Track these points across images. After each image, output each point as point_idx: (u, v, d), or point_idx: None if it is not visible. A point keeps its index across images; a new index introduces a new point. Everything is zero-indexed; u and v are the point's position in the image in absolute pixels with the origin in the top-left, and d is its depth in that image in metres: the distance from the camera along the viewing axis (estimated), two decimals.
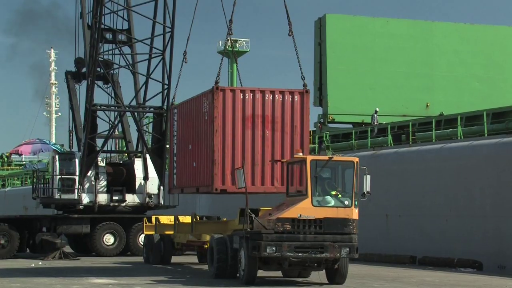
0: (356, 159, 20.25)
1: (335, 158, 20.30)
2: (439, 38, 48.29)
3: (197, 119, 22.63)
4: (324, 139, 39.70)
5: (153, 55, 33.13)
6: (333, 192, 19.97)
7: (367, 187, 20.05)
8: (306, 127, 22.09)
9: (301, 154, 20.81)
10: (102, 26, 32.34)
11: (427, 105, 47.23)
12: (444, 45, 48.29)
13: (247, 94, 21.40)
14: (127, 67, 34.55)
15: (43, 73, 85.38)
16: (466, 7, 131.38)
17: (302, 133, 21.92)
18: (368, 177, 20.10)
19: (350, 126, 45.59)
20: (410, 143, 33.45)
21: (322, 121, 46.04)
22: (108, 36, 34.28)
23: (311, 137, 42.24)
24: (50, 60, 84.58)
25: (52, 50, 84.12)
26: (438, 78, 48.12)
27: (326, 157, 20.13)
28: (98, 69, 33.31)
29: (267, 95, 21.63)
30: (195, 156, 22.92)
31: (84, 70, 36.08)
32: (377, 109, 41.15)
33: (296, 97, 21.82)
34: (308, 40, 78.58)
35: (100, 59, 32.80)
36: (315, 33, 47.43)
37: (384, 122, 39.65)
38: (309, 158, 20.00)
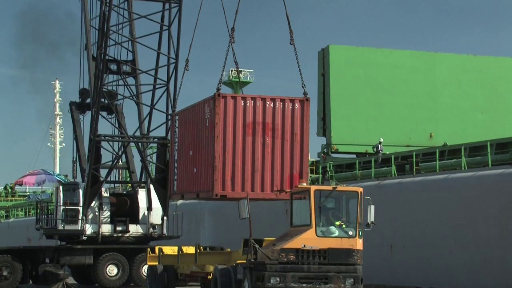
0: (360, 189, 20.22)
1: (339, 188, 20.28)
2: (442, 69, 48.44)
3: (198, 125, 22.75)
4: (328, 169, 39.67)
5: (157, 86, 33.31)
6: (337, 223, 19.93)
7: (371, 217, 20.00)
8: (306, 135, 22.20)
9: (305, 184, 20.78)
10: (107, 57, 32.55)
11: (430, 136, 47.24)
12: (448, 76, 48.43)
13: (248, 101, 21.60)
14: (131, 97, 34.70)
15: (48, 113, 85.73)
16: (468, 39, 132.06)
17: (302, 141, 22.04)
18: (372, 207, 20.06)
19: (354, 156, 45.57)
20: (414, 173, 33.40)
21: (325, 151, 46.04)
22: (113, 67, 34.50)
23: (314, 167, 42.28)
24: (55, 91, 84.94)
25: (57, 81, 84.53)
26: (442, 109, 48.19)
27: (330, 187, 20.11)
28: (102, 99, 33.46)
29: (268, 102, 21.82)
30: (195, 162, 22.98)
31: (88, 100, 36.23)
32: (381, 140, 41.17)
33: (297, 105, 21.99)
34: (311, 71, 79.02)
35: (104, 90, 32.97)
36: (319, 63, 47.62)
37: (387, 153, 39.64)
38: (313, 188, 19.97)
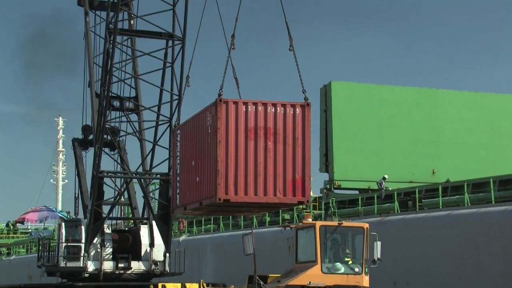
0: (366, 225, 20.14)
1: (345, 223, 20.20)
2: (444, 105, 48.60)
3: (200, 133, 22.85)
4: (331, 205, 39.59)
5: (160, 122, 33.34)
6: (344, 259, 19.80)
7: (378, 254, 19.89)
8: (307, 139, 22.25)
9: (310, 219, 20.71)
10: (110, 94, 32.65)
11: (433, 172, 47.22)
12: (450, 112, 48.57)
13: (249, 106, 21.73)
14: (134, 134, 34.74)
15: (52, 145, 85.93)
16: (469, 75, 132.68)
17: (304, 145, 22.11)
18: (379, 243, 19.97)
19: (357, 192, 45.52)
20: (417, 209, 33.33)
21: (328, 187, 46.00)
22: (116, 103, 34.55)
23: (317, 204, 42.21)
24: (58, 128, 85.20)
25: (60, 118, 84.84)
26: (444, 145, 48.24)
27: (335, 223, 20.03)
28: (105, 136, 33.49)
29: (269, 107, 21.95)
30: (198, 171, 23.01)
31: (91, 137, 36.25)
32: (386, 176, 41.14)
33: (298, 110, 22.11)
34: (313, 107, 78.90)
35: (107, 126, 33.02)
36: (321, 99, 47.81)
37: (390, 189, 39.59)
38: (319, 223, 19.90)
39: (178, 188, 24.57)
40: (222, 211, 24.70)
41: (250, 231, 20.26)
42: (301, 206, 43.35)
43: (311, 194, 43.03)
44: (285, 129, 21.82)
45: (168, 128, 32.80)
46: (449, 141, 48.33)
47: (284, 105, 21.94)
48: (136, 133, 34.68)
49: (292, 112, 21.90)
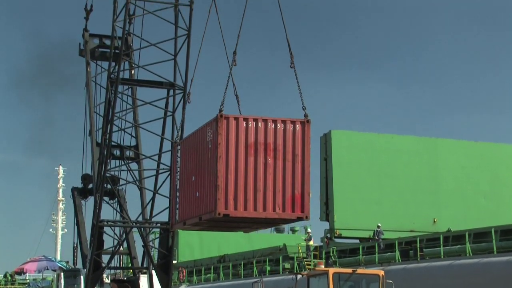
0: (381, 273, 19.86)
1: (359, 271, 19.96)
2: (444, 155, 48.65)
3: (201, 149, 22.95)
4: (331, 254, 39.37)
5: (160, 171, 33.31)
6: None
7: None
8: (307, 156, 22.32)
9: (322, 266, 20.48)
10: (111, 143, 32.68)
11: (434, 221, 47.06)
12: (450, 161, 48.61)
13: (250, 122, 21.91)
14: (134, 182, 34.68)
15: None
16: (469, 125, 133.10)
17: (304, 162, 22.15)
18: None
19: (357, 241, 45.30)
20: (418, 259, 33.11)
21: (329, 236, 45.79)
22: (116, 152, 34.59)
23: (317, 252, 41.95)
24: (58, 177, 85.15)
25: (61, 167, 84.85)
26: (445, 194, 48.16)
27: (349, 270, 19.78)
28: (105, 185, 33.43)
29: (269, 123, 22.13)
30: (198, 186, 23.04)
31: (90, 186, 36.19)
32: (379, 225, 41.12)
33: (298, 127, 22.25)
34: (313, 156, 78.92)
35: (107, 175, 32.97)
36: (321, 148, 47.87)
37: (391, 238, 39.41)
38: (331, 271, 19.64)
39: (178, 203, 24.64)
40: (221, 226, 24.73)
41: (260, 279, 20.05)
42: (300, 254, 43.16)
43: (311, 238, 42.82)
44: (285, 145, 22.04)
45: (169, 177, 32.74)
46: (450, 190, 48.26)
47: (284, 122, 22.21)
48: (136, 181, 34.62)
49: (292, 128, 22.13)
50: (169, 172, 32.77)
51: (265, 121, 22.08)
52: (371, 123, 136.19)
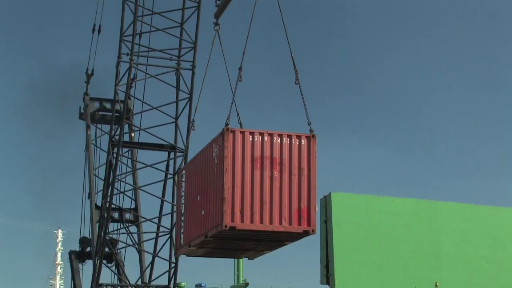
0: None
1: None
2: (445, 218, 48.30)
3: (207, 166, 23.00)
4: None
5: (160, 234, 33.19)
6: None
7: None
8: (313, 170, 22.46)
9: None
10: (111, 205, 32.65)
11: (436, 285, 46.62)
12: (450, 224, 48.24)
13: (256, 136, 22.06)
14: (133, 245, 34.51)
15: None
16: (468, 188, 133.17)
17: (310, 176, 22.24)
18: None
19: None
20: None
21: None
22: (115, 215, 34.54)
23: None
24: (57, 241, 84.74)
25: (60, 230, 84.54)
26: (446, 257, 47.67)
27: None
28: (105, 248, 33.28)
29: (275, 138, 22.27)
30: (204, 204, 22.97)
31: (88, 249, 35.98)
32: None
33: (303, 141, 22.40)
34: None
35: (106, 238, 32.85)
36: (321, 210, 47.59)
37: None
38: None
39: (183, 227, 24.61)
40: (226, 248, 24.55)
41: None
42: None
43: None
44: (291, 159, 22.20)
45: (169, 240, 32.62)
46: (450, 254, 47.80)
47: (290, 136, 22.41)
48: (136, 245, 34.46)
49: (297, 142, 22.34)
50: (169, 235, 32.63)
51: (270, 135, 22.41)
52: (371, 184, 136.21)
